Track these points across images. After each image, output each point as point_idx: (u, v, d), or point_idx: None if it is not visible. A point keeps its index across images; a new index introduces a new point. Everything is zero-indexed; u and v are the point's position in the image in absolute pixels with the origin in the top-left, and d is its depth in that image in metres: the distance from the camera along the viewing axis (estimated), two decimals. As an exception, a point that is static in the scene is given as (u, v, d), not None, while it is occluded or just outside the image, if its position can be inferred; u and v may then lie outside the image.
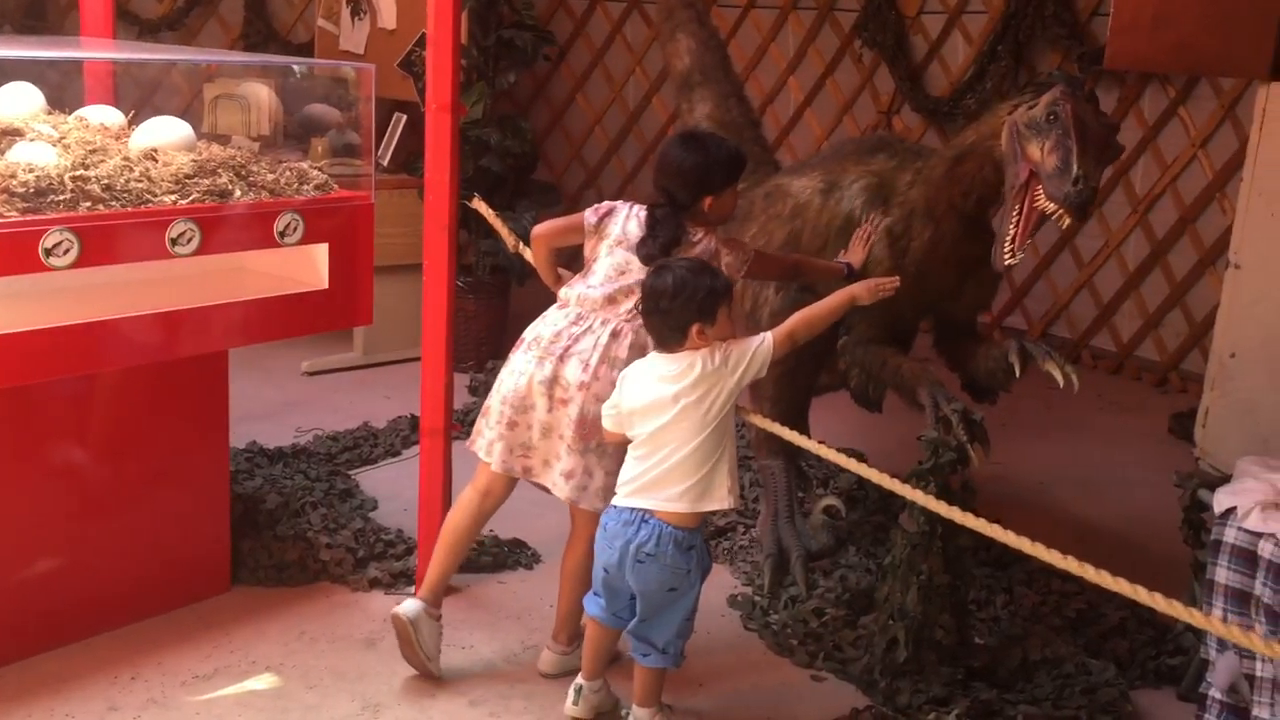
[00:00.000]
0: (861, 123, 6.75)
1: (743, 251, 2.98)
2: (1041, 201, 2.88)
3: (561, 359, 2.86)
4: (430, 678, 3.02)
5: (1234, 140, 5.54)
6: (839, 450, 4.55)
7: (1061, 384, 3.07)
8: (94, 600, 3.12)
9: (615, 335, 2.87)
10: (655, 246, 2.86)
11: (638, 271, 2.88)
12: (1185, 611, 2.10)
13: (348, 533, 3.63)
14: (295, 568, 3.50)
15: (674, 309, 2.67)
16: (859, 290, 3.00)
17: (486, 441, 2.98)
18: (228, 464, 3.45)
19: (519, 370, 2.92)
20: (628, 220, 2.95)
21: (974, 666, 3.11)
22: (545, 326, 2.94)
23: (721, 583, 3.65)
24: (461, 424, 4.67)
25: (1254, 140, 4.26)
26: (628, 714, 2.85)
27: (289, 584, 3.47)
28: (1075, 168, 2.76)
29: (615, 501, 2.75)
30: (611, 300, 2.90)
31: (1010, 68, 6.14)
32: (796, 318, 2.85)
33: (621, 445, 2.81)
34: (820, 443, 4.52)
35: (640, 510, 2.69)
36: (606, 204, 3.02)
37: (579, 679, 2.90)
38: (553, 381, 2.86)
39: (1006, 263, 2.98)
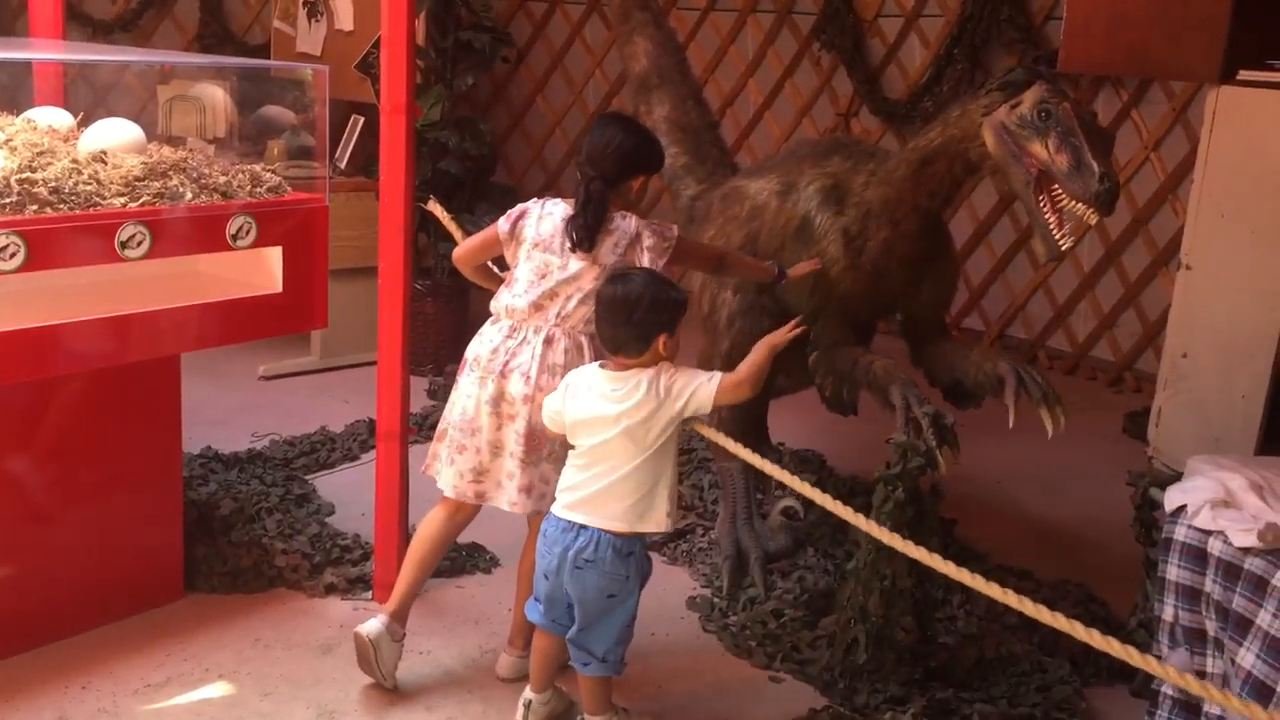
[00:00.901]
0: (820, 125, 6.78)
1: (666, 235, 2.91)
2: (1065, 201, 2.86)
3: (503, 375, 2.85)
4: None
5: (1185, 143, 5.62)
6: (797, 452, 4.61)
7: (1050, 433, 3.04)
8: (44, 609, 3.08)
9: (549, 342, 2.84)
10: (581, 227, 2.82)
11: (557, 272, 2.86)
12: (1137, 657, 2.07)
13: (304, 538, 3.60)
14: (250, 574, 3.46)
15: (646, 320, 2.64)
16: (774, 339, 2.84)
17: (443, 467, 2.97)
18: (180, 469, 3.41)
19: (465, 394, 2.91)
20: (540, 220, 2.90)
21: (931, 665, 3.13)
22: (483, 345, 2.92)
23: (680, 585, 3.66)
24: (419, 428, 4.65)
25: (1204, 143, 4.31)
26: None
27: (244, 591, 3.43)
28: (1097, 166, 2.77)
29: (555, 511, 2.74)
30: (538, 307, 2.87)
31: (966, 71, 6.19)
32: (743, 375, 2.73)
33: (565, 444, 2.81)
34: (779, 445, 4.56)
35: (579, 523, 2.69)
36: (518, 208, 2.96)
37: (527, 692, 2.87)
38: (498, 399, 2.85)
39: (1065, 248, 2.94)
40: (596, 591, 2.68)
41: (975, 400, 3.48)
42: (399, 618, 3.01)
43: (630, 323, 2.65)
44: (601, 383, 2.68)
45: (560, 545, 2.68)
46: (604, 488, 2.66)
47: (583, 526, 2.67)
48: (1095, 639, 2.08)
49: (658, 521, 2.70)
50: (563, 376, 2.80)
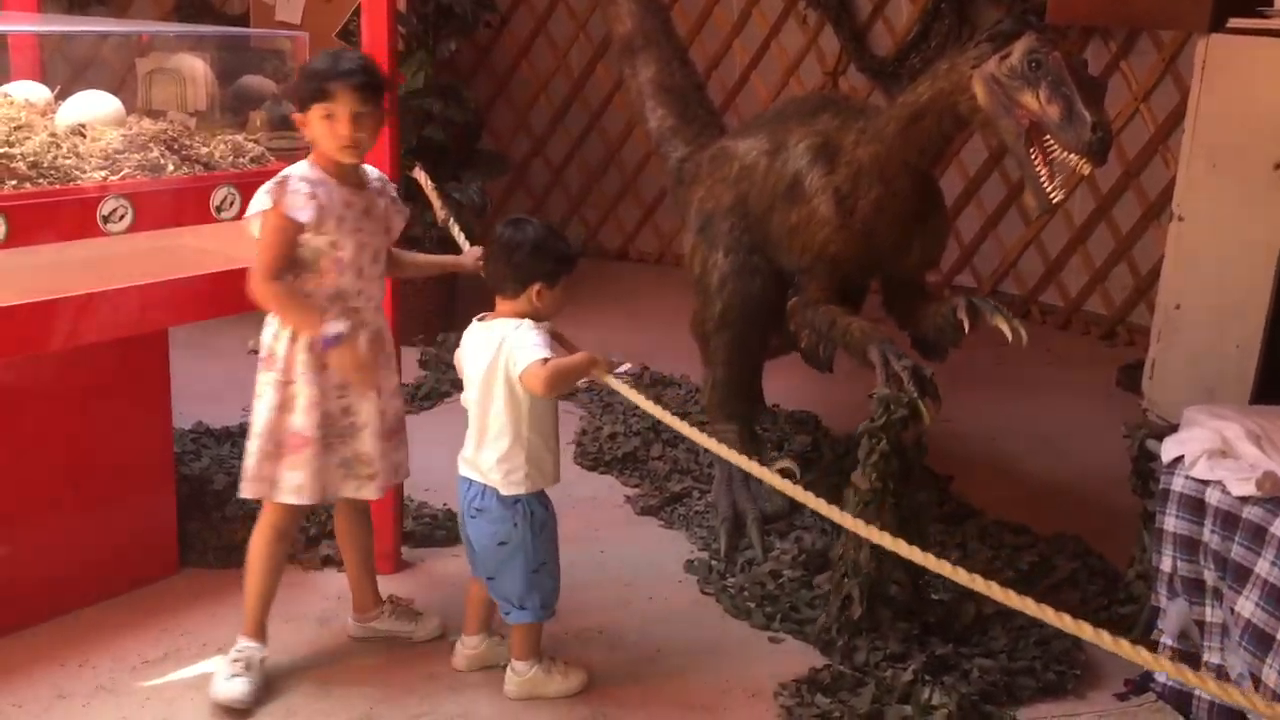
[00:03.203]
0: (807, 85, 6.72)
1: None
2: (1058, 152, 2.85)
3: None
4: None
5: (1175, 93, 5.58)
6: (792, 413, 4.60)
7: (1010, 338, 3.08)
8: (38, 587, 3.06)
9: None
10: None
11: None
12: (1127, 649, 2.00)
13: (298, 511, 3.58)
14: (245, 548, 3.42)
15: (524, 264, 2.71)
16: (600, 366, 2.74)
17: None
18: (172, 445, 3.39)
19: None
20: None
21: (929, 621, 3.13)
22: None
23: (678, 548, 3.65)
24: (412, 398, 4.63)
25: (1194, 93, 4.28)
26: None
27: (238, 565, 3.37)
28: (1089, 115, 2.76)
29: (460, 470, 2.85)
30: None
31: (954, 26, 6.13)
32: (548, 371, 2.62)
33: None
34: (774, 406, 4.55)
35: (469, 476, 2.81)
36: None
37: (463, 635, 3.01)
38: None
39: (1055, 200, 2.96)
40: (489, 538, 2.78)
41: (939, 349, 3.47)
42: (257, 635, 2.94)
43: (510, 264, 2.73)
44: (473, 335, 2.79)
45: (463, 498, 2.81)
46: (480, 444, 2.75)
47: (472, 480, 2.78)
48: (1086, 631, 2.03)
49: (516, 484, 2.72)
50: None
